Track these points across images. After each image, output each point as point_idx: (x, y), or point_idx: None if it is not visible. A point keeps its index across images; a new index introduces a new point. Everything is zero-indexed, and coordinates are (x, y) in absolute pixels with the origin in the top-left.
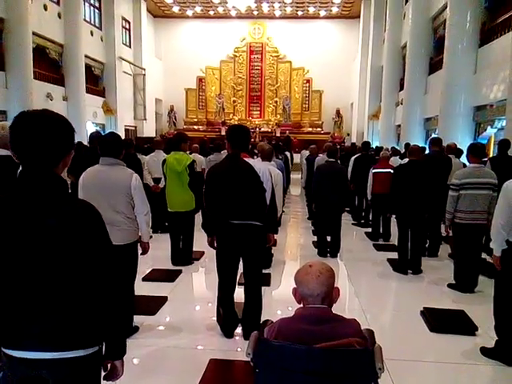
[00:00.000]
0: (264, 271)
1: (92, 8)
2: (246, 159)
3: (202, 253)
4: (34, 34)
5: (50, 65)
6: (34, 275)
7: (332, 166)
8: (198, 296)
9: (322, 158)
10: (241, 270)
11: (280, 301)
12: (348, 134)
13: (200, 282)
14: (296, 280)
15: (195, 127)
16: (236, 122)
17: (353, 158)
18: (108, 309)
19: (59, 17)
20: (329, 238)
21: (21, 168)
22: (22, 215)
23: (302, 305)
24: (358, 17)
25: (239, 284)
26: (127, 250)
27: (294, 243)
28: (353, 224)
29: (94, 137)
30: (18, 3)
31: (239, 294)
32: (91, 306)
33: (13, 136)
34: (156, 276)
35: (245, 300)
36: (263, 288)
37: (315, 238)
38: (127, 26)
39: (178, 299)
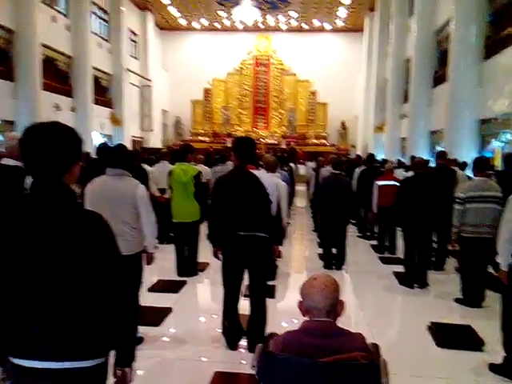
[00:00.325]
0: (269, 283)
1: (100, 20)
2: (252, 171)
3: (207, 264)
4: (42, 45)
5: (58, 76)
6: (41, 284)
7: (337, 177)
8: (203, 307)
9: (326, 170)
10: (246, 281)
11: (285, 313)
12: (353, 146)
13: (205, 294)
14: (301, 293)
15: (201, 138)
16: (241, 134)
17: (358, 169)
18: (116, 318)
19: (68, 29)
20: (334, 251)
21: (29, 178)
22: (31, 224)
23: (307, 317)
24: (363, 30)
25: (244, 296)
26: (132, 261)
27: (299, 255)
28: (358, 236)
29: (102, 148)
30: (27, 15)
31: (244, 305)
32: (98, 316)
33: (22, 146)
34: (161, 287)
35: (250, 312)
36: (268, 300)
37: (321, 251)
38: (135, 39)
39: (183, 310)
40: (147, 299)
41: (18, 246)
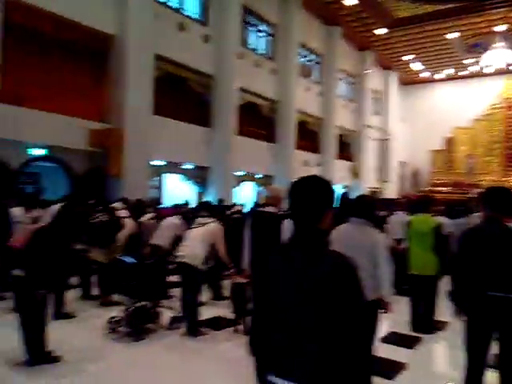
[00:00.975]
0: None
1: (346, 84)
2: (508, 224)
3: (446, 323)
4: (298, 111)
5: (308, 136)
6: (298, 314)
7: None
8: (440, 371)
9: None
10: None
11: None
12: None
13: (442, 356)
14: None
15: (440, 189)
16: (489, 183)
17: None
18: (351, 363)
19: (319, 95)
20: None
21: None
22: (291, 262)
23: None
24: None
25: (490, 367)
26: (368, 308)
27: None
28: None
29: (344, 197)
30: (287, 87)
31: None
32: (336, 356)
33: (290, 196)
34: (394, 339)
35: None
36: None
37: None
38: (376, 96)
39: (418, 370)
40: (379, 349)
41: (278, 280)
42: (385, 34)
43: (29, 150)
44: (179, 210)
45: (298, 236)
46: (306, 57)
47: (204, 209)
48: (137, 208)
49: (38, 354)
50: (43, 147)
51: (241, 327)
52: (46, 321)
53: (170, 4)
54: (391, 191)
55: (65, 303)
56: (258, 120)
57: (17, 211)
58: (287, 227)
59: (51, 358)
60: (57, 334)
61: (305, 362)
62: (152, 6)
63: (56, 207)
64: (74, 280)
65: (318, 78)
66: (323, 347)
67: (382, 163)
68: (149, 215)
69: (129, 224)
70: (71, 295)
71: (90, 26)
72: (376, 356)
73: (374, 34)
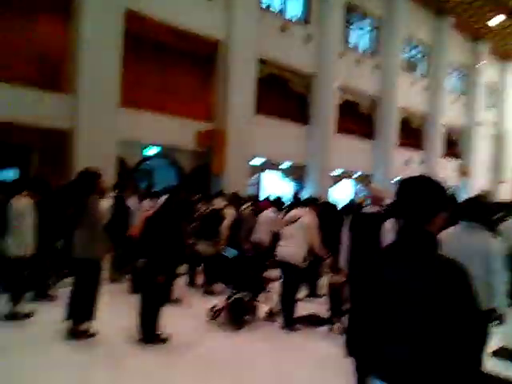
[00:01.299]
0: None
1: (456, 77)
2: None
3: None
4: (400, 107)
5: (411, 133)
6: (404, 318)
7: None
8: None
9: None
10: None
11: None
12: None
13: None
14: None
15: None
16: None
17: None
18: (459, 375)
19: (425, 89)
20: None
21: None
22: (397, 266)
23: None
24: None
25: None
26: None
27: None
28: None
29: (452, 198)
30: (390, 83)
31: None
32: (443, 364)
33: (398, 195)
34: (505, 354)
35: None
36: None
37: None
38: (491, 89)
39: None
40: (488, 364)
41: (382, 284)
42: (502, 21)
43: (144, 149)
44: (274, 203)
45: (404, 238)
46: (411, 50)
47: (298, 203)
48: (234, 199)
49: (150, 334)
50: (156, 146)
51: (336, 326)
52: (163, 304)
53: (272, 8)
54: (507, 193)
55: (173, 290)
56: (357, 118)
57: (132, 202)
58: (389, 228)
59: (161, 339)
60: (164, 318)
61: (411, 368)
62: (255, 11)
63: (163, 198)
64: (181, 269)
65: (424, 71)
66: (430, 355)
67: (497, 162)
68: (246, 206)
69: (229, 214)
70: (178, 282)
71: (199, 33)
72: (484, 371)
73: (490, 23)
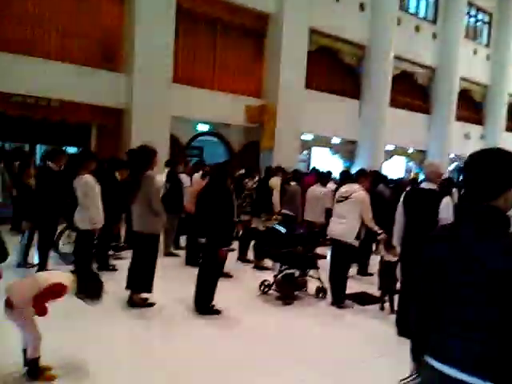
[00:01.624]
0: None
1: None
2: None
3: None
4: (461, 78)
5: (471, 106)
6: (465, 304)
7: None
8: None
9: None
10: None
11: None
12: None
13: None
14: None
15: None
16: None
17: None
18: None
19: (487, 59)
20: None
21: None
22: (460, 245)
23: None
24: None
25: None
26: None
27: None
28: None
29: None
30: (449, 52)
31: None
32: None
33: (465, 169)
34: None
35: None
36: None
37: None
38: None
39: None
40: None
41: (442, 263)
42: None
43: (195, 126)
44: (321, 176)
45: (468, 214)
46: (473, 17)
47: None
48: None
49: (206, 306)
50: (207, 123)
51: (387, 305)
52: (219, 278)
53: None
54: None
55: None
56: (412, 90)
57: (183, 177)
58: (447, 205)
59: (215, 311)
60: (216, 291)
61: (471, 350)
62: None
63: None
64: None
65: (487, 39)
66: (493, 338)
67: None
68: (293, 183)
69: (276, 184)
70: (229, 257)
71: (251, 7)
72: None
73: None
